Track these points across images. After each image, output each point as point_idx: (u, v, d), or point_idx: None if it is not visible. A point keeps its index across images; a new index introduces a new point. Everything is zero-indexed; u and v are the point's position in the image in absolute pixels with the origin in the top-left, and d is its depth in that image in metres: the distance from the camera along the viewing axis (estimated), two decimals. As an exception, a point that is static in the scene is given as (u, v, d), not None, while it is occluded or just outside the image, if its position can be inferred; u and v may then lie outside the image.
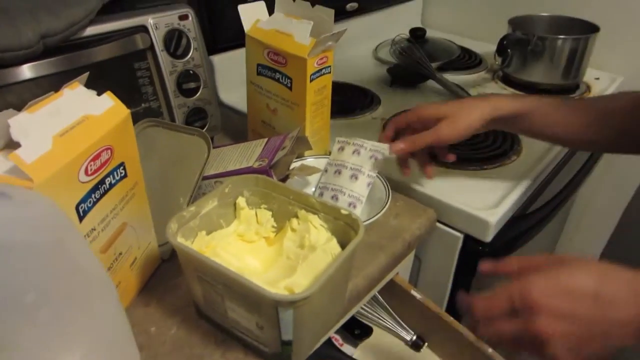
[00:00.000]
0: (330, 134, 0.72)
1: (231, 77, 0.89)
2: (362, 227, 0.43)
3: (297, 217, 0.49)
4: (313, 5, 0.64)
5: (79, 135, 0.38)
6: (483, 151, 0.77)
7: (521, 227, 0.71)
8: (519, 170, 0.73)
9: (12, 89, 0.50)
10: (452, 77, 1.04)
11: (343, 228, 0.46)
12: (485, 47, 1.17)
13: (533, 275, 0.39)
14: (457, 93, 0.95)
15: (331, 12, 0.62)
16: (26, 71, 0.50)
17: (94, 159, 0.39)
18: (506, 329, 0.40)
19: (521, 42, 0.97)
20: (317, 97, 0.64)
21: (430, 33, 1.25)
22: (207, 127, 0.70)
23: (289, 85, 0.64)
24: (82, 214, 0.39)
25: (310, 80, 0.62)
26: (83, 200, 0.39)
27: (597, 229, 1.28)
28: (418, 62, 1.03)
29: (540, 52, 0.96)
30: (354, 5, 1.14)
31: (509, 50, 0.99)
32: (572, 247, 1.34)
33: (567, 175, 0.87)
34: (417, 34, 1.17)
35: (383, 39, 1.22)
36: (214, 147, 0.67)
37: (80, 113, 0.39)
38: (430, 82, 1.01)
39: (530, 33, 0.96)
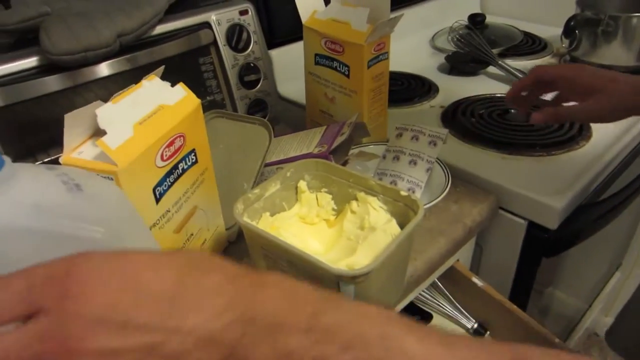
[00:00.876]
0: (389, 122, 0.73)
1: (289, 70, 0.91)
2: (422, 207, 0.44)
3: (356, 199, 0.50)
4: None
5: (156, 123, 0.41)
6: (549, 136, 0.74)
7: (590, 215, 0.67)
8: (588, 156, 0.70)
9: (96, 84, 0.55)
10: (515, 63, 1.00)
11: (402, 209, 0.47)
12: (550, 31, 1.12)
13: (79, 259, 0.24)
14: (519, 79, 0.92)
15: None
16: (106, 68, 0.55)
17: (168, 145, 0.42)
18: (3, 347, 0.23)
19: (591, 22, 0.93)
20: (374, 83, 0.65)
21: (490, 19, 1.21)
22: (267, 117, 0.73)
23: (346, 73, 0.65)
24: (158, 197, 0.42)
25: (368, 67, 0.63)
26: (159, 184, 0.42)
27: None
28: (477, 49, 1.00)
29: (612, 33, 0.91)
30: (410, -7, 1.13)
31: (577, 32, 0.95)
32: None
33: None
34: (476, 20, 1.14)
35: (441, 27, 1.20)
36: (275, 137, 0.70)
37: (157, 103, 0.42)
38: (491, 69, 0.98)
39: (601, 12, 0.91)
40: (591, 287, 1.19)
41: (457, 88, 0.92)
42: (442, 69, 1.03)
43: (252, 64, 0.70)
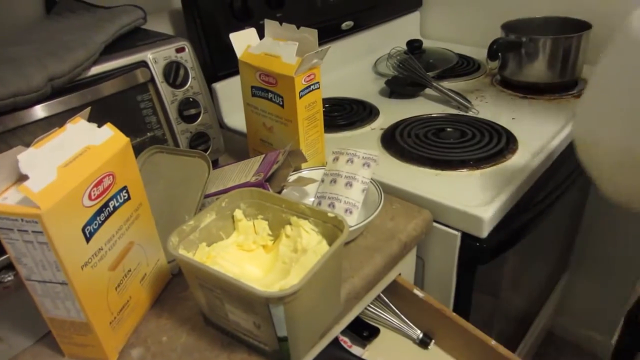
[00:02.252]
0: (332, 146, 0.76)
1: (233, 102, 0.94)
2: (347, 226, 0.46)
3: (290, 223, 0.52)
4: (298, 27, 0.68)
5: (82, 165, 0.42)
6: (479, 151, 0.78)
7: (519, 222, 0.72)
8: (515, 167, 0.75)
9: (27, 128, 0.55)
10: (451, 84, 1.07)
11: (331, 230, 0.49)
12: (483, 53, 1.18)
13: None
14: (454, 99, 0.97)
15: (315, 32, 0.67)
16: (39, 111, 0.56)
17: (96, 185, 0.43)
18: None
19: (513, 45, 1.00)
20: (308, 112, 0.68)
21: (429, 43, 1.28)
22: (210, 149, 0.75)
23: (281, 103, 0.68)
24: (88, 236, 0.43)
25: (300, 97, 0.66)
26: (89, 223, 0.43)
27: (614, 220, 1.26)
28: (415, 73, 1.06)
29: (534, 53, 0.98)
30: (350, 23, 1.18)
31: (499, 54, 1.01)
32: (588, 241, 1.33)
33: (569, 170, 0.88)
34: (413, 46, 1.21)
35: (383, 53, 1.26)
36: (218, 167, 0.72)
37: (83, 144, 0.44)
38: (429, 91, 1.04)
39: (522, 36, 0.98)
40: (542, 288, 1.24)
41: (396, 110, 0.97)
42: (383, 92, 1.08)
43: (191, 99, 0.72)
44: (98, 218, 0.44)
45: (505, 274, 0.85)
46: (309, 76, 0.67)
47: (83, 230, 0.42)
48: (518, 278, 0.97)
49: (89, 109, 0.47)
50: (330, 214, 0.48)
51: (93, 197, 0.43)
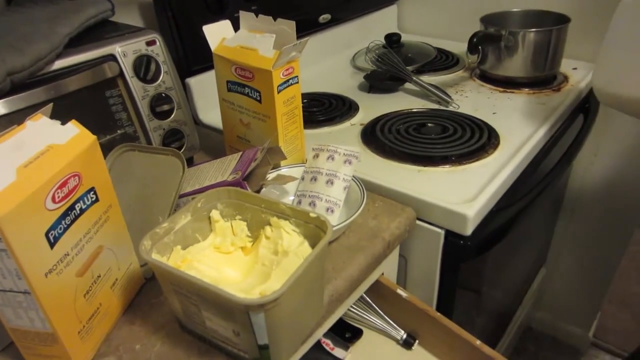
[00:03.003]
0: (311, 143, 0.74)
1: (208, 98, 0.91)
2: (330, 227, 0.44)
3: (270, 224, 0.50)
4: (275, 19, 0.66)
5: (44, 165, 0.39)
6: (461, 147, 0.77)
7: (503, 219, 0.71)
8: (497, 163, 0.74)
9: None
10: (430, 79, 1.06)
11: (314, 231, 0.47)
12: (462, 47, 1.18)
13: None
14: (434, 93, 0.96)
15: (292, 24, 0.64)
16: (0, 107, 0.52)
17: (60, 187, 0.40)
18: None
19: (493, 38, 0.99)
20: (286, 107, 0.66)
21: (407, 37, 1.27)
22: (184, 147, 0.72)
23: (258, 98, 0.65)
24: (52, 241, 0.40)
25: (278, 92, 0.64)
26: (53, 227, 0.40)
27: (591, 216, 1.28)
28: (394, 67, 1.04)
29: (513, 47, 0.98)
30: (327, 16, 1.16)
31: (479, 47, 1.01)
32: (568, 235, 1.34)
33: (550, 165, 0.88)
34: (392, 40, 1.19)
35: (361, 47, 1.24)
36: (193, 166, 0.69)
37: (45, 143, 0.40)
38: (408, 85, 1.03)
39: (502, 29, 0.98)
40: (521, 283, 1.25)
41: (376, 105, 0.96)
42: (362, 87, 1.06)
43: (163, 94, 0.69)
44: (63, 222, 0.41)
45: (486, 270, 0.84)
46: (287, 70, 0.64)
47: (47, 235, 0.39)
48: (499, 274, 0.97)
49: (50, 105, 0.44)
50: (312, 214, 0.46)
51: (57, 200, 0.40)
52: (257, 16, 0.67)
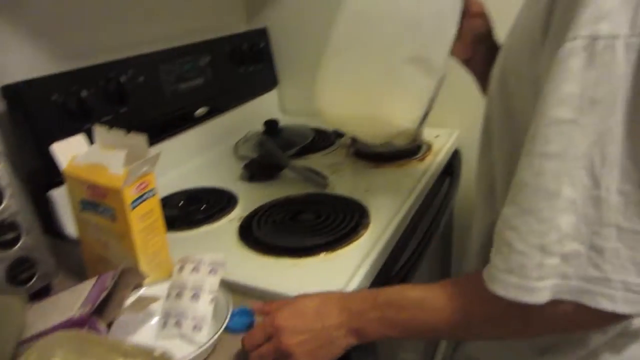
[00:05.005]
0: (189, 247, 0.71)
1: (73, 210, 0.85)
2: (174, 366, 0.42)
3: (117, 366, 0.46)
4: (137, 127, 0.65)
5: None
6: (334, 232, 0.78)
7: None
8: (367, 244, 0.76)
9: None
10: (309, 161, 1.09)
11: (163, 368, 0.44)
12: (337, 124, 1.25)
13: (278, 309, 0.56)
14: (311, 178, 0.99)
15: (144, 138, 0.63)
16: None
17: None
18: (264, 351, 0.54)
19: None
20: (144, 222, 0.63)
21: (288, 119, 1.32)
22: (36, 276, 0.66)
23: (112, 217, 0.62)
24: None
25: (133, 208, 0.62)
26: None
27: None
28: (271, 154, 1.07)
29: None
30: (204, 110, 1.17)
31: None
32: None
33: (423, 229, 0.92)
34: (270, 126, 1.23)
35: (243, 135, 1.26)
36: (49, 296, 0.63)
37: None
38: (287, 171, 1.05)
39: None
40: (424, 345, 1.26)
41: (256, 196, 0.96)
42: (243, 177, 1.06)
43: (6, 222, 0.63)
44: None
45: (383, 345, 0.84)
46: (140, 185, 0.63)
47: None
48: (398, 345, 0.98)
49: None
50: (155, 353, 0.43)
51: None
52: (111, 128, 0.66)
